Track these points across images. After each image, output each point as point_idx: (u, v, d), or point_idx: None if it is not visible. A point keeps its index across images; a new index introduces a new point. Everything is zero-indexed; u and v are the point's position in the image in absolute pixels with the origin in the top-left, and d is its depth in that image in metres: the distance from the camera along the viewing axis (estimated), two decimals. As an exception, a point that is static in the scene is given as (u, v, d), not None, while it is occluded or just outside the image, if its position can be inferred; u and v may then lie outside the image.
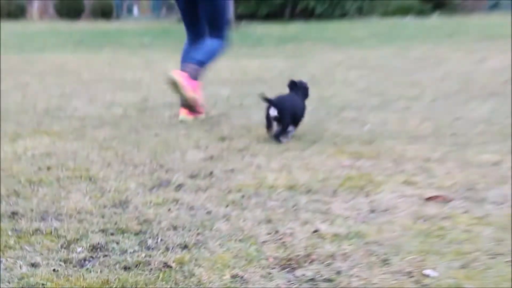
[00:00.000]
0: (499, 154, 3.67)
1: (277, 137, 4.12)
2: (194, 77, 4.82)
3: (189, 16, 5.17)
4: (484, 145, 3.91)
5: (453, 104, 5.37)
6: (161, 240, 2.48)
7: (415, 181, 3.22)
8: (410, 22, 18.75)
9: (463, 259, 2.25)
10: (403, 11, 20.38)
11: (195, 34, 5.20)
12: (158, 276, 2.15)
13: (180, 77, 4.70)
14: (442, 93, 5.93)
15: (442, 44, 11.17)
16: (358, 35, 13.58)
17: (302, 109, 4.41)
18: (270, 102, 4.13)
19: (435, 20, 18.99)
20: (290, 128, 4.19)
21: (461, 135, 4.21)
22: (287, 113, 4.19)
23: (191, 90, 4.76)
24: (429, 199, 2.93)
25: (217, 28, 5.06)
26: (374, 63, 8.58)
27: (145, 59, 9.80)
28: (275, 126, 4.17)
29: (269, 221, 2.68)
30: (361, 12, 21.06)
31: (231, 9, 5.35)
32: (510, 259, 2.25)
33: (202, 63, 4.92)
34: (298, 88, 4.56)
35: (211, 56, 4.99)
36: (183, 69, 4.86)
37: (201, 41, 5.13)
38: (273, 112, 4.16)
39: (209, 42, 5.05)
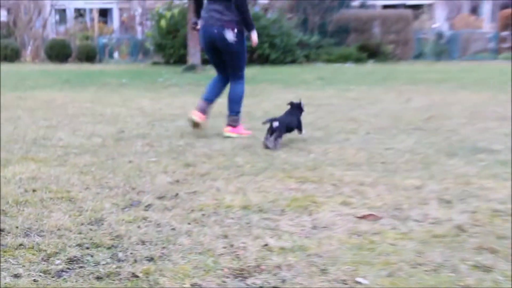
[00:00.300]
0: (421, 179, 3.72)
1: (274, 141, 4.93)
2: (236, 123, 5.71)
3: (214, 61, 5.86)
4: (409, 172, 3.95)
5: (384, 137, 5.43)
6: (130, 253, 2.44)
7: (351, 202, 3.23)
8: (349, 67, 19.02)
9: (389, 268, 2.26)
10: (344, 58, 20.64)
11: (221, 72, 5.85)
12: (127, 285, 2.11)
13: (200, 120, 5.74)
14: (375, 128, 5.99)
15: (376, 87, 11.33)
16: (305, 78, 13.69)
17: (296, 121, 5.38)
18: (275, 119, 5.13)
19: (370, 66, 19.30)
20: (280, 138, 5.04)
21: (390, 163, 4.26)
22: (283, 125, 5.09)
23: (237, 132, 5.64)
24: (362, 217, 2.95)
25: (237, 71, 5.72)
26: (319, 102, 8.64)
27: (122, 96, 9.71)
28: (272, 138, 4.96)
29: (225, 236, 2.66)
30: (308, 58, 21.29)
31: (245, 56, 5.72)
32: (428, 268, 2.27)
33: (237, 112, 5.72)
34: (294, 107, 5.52)
35: (239, 100, 5.77)
36: (228, 123, 5.71)
37: (226, 77, 5.83)
38: (275, 124, 5.04)
39: (232, 91, 5.78)
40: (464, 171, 3.95)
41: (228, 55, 5.58)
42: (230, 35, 5.46)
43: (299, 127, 5.40)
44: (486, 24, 27.64)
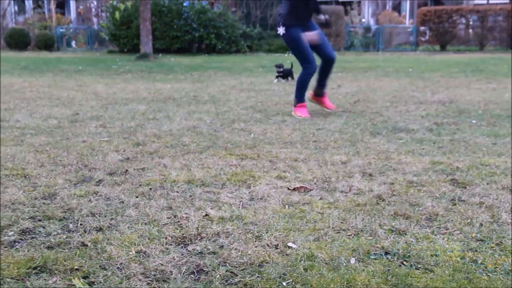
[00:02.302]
0: (347, 155, 3.77)
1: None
2: (295, 104, 5.73)
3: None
4: (337, 149, 3.99)
5: (317, 118, 5.47)
6: (80, 224, 2.38)
7: (285, 176, 3.24)
8: (289, 57, 19.04)
9: (316, 234, 2.28)
10: (284, 48, 20.67)
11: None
12: (76, 253, 2.05)
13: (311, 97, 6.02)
14: (309, 110, 6.03)
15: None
16: (248, 66, 13.65)
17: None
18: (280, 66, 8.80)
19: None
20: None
21: (321, 141, 4.29)
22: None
23: (295, 113, 5.69)
24: (294, 189, 2.96)
25: (299, 61, 5.61)
26: (260, 87, 8.63)
27: (78, 82, 9.44)
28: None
29: (170, 208, 2.63)
30: (251, 49, 21.24)
31: (300, 48, 5.47)
32: (350, 233, 2.30)
33: (297, 96, 5.68)
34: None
35: (298, 86, 5.65)
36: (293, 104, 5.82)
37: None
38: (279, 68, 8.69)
39: (298, 78, 5.74)
40: (385, 148, 4.03)
41: (288, 47, 5.65)
42: (280, 29, 5.49)
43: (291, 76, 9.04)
44: (407, 20, 28.20)
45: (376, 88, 8.41)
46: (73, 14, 29.25)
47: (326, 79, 5.78)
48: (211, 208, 2.62)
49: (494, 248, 2.12)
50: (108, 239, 2.20)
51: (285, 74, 9.49)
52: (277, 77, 9.50)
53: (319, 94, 5.87)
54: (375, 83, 9.15)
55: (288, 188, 2.98)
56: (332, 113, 5.82)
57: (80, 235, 2.25)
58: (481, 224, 2.38)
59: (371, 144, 4.17)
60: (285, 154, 3.82)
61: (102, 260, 2.00)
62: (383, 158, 3.69)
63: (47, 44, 21.96)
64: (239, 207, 2.66)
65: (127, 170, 3.35)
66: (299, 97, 5.63)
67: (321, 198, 2.80)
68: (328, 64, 5.64)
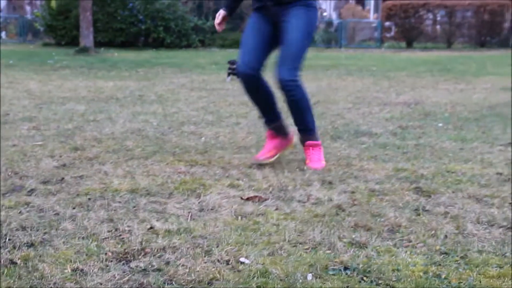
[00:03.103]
0: (305, 162, 3.80)
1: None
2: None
3: None
4: (295, 154, 4.02)
5: (273, 120, 5.50)
6: (9, 239, 2.32)
7: (238, 184, 3.25)
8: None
9: (271, 248, 2.30)
10: (238, 44, 20.78)
11: None
12: (3, 272, 2.01)
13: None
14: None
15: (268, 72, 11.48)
16: (200, 63, 13.64)
17: None
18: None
19: (264, 52, 19.56)
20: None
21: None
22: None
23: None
24: (248, 199, 2.98)
25: None
26: (212, 86, 8.64)
27: (9, 78, 9.22)
28: None
29: (111, 220, 2.60)
30: (204, 43, 21.22)
31: None
32: (308, 247, 2.33)
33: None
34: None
35: None
36: None
37: None
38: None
39: None
40: (347, 153, 4.09)
41: None
42: None
43: None
44: (371, 14, 28.74)
45: (338, 88, 8.54)
46: (2, 1, 28.52)
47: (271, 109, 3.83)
48: (157, 220, 2.61)
49: (458, 262, 2.19)
50: (40, 256, 2.16)
51: None
52: (229, 74, 9.30)
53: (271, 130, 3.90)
54: (337, 83, 9.29)
55: (242, 198, 2.99)
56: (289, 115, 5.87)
57: (9, 251, 2.20)
58: (446, 236, 2.45)
59: (332, 149, 4.23)
60: (238, 160, 3.83)
61: (33, 280, 1.97)
62: (344, 164, 3.75)
63: (-27, 34, 21.37)
64: (187, 219, 2.66)
65: (63, 178, 3.30)
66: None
67: (276, 209, 2.83)
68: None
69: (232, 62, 9.31)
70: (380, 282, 2.02)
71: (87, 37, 16.48)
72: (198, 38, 20.89)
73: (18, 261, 2.11)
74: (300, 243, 2.36)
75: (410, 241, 2.40)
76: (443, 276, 2.06)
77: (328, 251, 2.28)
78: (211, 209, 2.81)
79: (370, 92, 8.01)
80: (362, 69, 11.97)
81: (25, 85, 8.23)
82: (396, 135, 4.82)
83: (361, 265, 2.14)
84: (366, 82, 9.35)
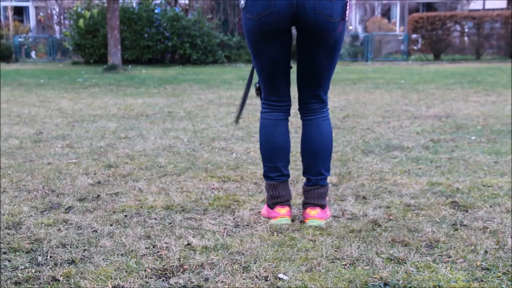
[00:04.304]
0: (338, 177, 3.81)
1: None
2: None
3: None
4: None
5: (303, 135, 5.51)
6: (50, 256, 2.37)
7: (272, 200, 3.25)
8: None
9: (309, 264, 2.30)
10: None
11: None
12: (47, 289, 2.04)
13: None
14: (295, 127, 6.06)
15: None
16: (227, 78, 13.72)
17: None
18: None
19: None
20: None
21: (309, 161, 4.32)
22: None
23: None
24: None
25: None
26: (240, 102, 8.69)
27: (40, 97, 9.40)
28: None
29: (148, 237, 2.63)
30: (230, 59, 21.36)
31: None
32: (346, 262, 2.33)
33: None
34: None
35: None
36: None
37: None
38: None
39: None
40: (379, 167, 4.08)
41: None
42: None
43: None
44: (397, 27, 28.65)
45: (366, 101, 8.51)
46: (32, 22, 29.15)
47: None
48: (193, 237, 2.63)
49: (501, 278, 2.16)
50: (81, 273, 2.19)
51: None
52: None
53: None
54: (365, 96, 9.26)
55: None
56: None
57: (51, 268, 2.24)
58: (486, 251, 2.42)
59: (364, 163, 4.23)
60: (271, 176, 3.84)
61: (76, 297, 2.00)
62: (377, 179, 3.74)
63: (4, 55, 21.83)
64: (223, 235, 2.67)
65: (99, 195, 3.35)
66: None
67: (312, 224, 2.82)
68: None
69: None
70: (421, 298, 2.00)
71: (115, 55, 16.72)
72: (224, 54, 21.04)
73: (60, 278, 2.14)
74: (337, 259, 2.36)
75: (450, 257, 2.38)
76: (485, 292, 2.04)
77: (366, 267, 2.27)
78: (246, 225, 2.82)
79: (399, 105, 7.97)
80: (390, 82, 11.92)
81: (56, 104, 8.38)
82: (428, 148, 4.79)
83: (401, 281, 2.13)
84: (394, 96, 9.31)
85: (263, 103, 2.94)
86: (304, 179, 2.97)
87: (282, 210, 2.87)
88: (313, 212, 2.85)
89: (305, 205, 2.90)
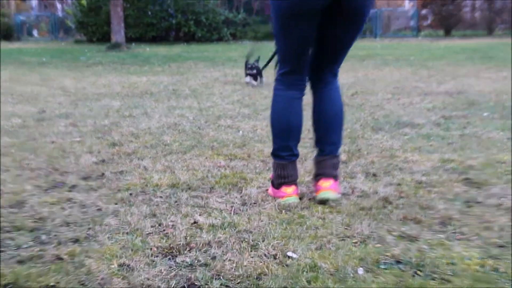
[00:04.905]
0: (348, 154, 3.77)
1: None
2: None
3: None
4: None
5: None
6: (54, 235, 2.35)
7: (280, 178, 3.22)
8: (276, 45, 19.11)
9: (318, 242, 2.28)
10: (270, 36, 20.77)
11: None
12: (50, 268, 2.03)
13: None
14: (304, 104, 6.03)
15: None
16: (232, 56, 13.65)
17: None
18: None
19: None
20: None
21: (318, 138, 4.28)
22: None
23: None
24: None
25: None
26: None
27: (43, 75, 9.37)
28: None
29: (153, 215, 2.61)
30: (235, 36, 21.23)
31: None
32: (356, 240, 2.30)
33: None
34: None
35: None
36: None
37: None
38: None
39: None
40: (389, 145, 4.04)
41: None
42: None
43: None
44: (407, 3, 28.36)
45: (375, 78, 8.44)
46: (34, 0, 29.01)
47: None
48: (200, 215, 2.61)
49: (516, 254, 2.14)
50: (86, 252, 2.17)
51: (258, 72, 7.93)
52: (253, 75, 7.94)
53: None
54: (374, 73, 9.19)
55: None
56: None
57: (55, 247, 2.22)
58: (501, 228, 2.39)
59: (373, 141, 4.19)
60: (278, 153, 3.81)
61: (80, 276, 1.98)
62: (388, 156, 3.70)
63: (6, 33, 21.77)
64: (230, 213, 2.65)
65: (103, 174, 3.33)
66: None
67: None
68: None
69: (251, 66, 7.87)
70: (435, 276, 1.97)
71: (118, 33, 16.64)
72: (229, 31, 20.92)
73: (65, 257, 2.13)
74: (348, 237, 2.33)
75: (464, 234, 2.35)
76: (501, 270, 2.01)
77: (378, 245, 2.24)
78: (254, 203, 2.80)
79: (409, 82, 7.90)
80: (399, 59, 11.81)
81: (59, 82, 8.35)
82: (439, 125, 4.74)
83: (413, 259, 2.10)
84: (404, 72, 9.23)
85: (279, 80, 2.88)
86: (314, 154, 2.93)
87: (289, 189, 2.84)
88: (326, 183, 2.80)
89: (318, 176, 2.86)
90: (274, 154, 2.91)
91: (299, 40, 2.70)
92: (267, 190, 2.99)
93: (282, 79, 2.85)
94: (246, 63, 8.04)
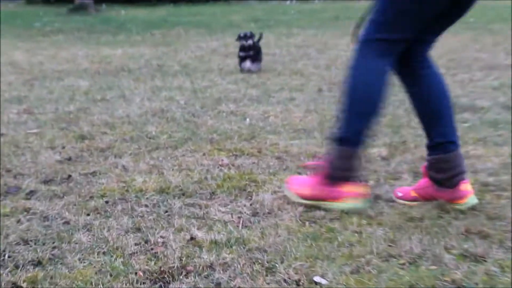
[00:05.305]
0: (389, 148, 3.78)
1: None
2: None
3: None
4: (373, 138, 3.99)
5: (340, 94, 5.47)
6: (9, 256, 2.37)
7: (301, 179, 3.24)
8: (291, 5, 19.11)
9: (354, 263, 2.29)
10: (284, -7, 20.73)
11: None
12: (6, 300, 2.05)
13: None
14: (328, 83, 6.05)
15: (327, 30, 11.44)
16: (234, 20, 13.68)
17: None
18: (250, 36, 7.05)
19: (318, 3, 19.47)
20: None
21: (350, 127, 4.29)
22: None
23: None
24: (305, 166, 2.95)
25: None
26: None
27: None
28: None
29: (138, 229, 2.63)
30: (238, -6, 21.28)
31: None
32: (404, 261, 2.31)
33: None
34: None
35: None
36: None
37: None
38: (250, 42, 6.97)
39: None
40: (444, 135, 4.04)
41: None
42: None
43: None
44: None
45: (423, 48, 8.43)
46: None
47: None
48: (198, 229, 2.62)
49: None
50: (51, 277, 2.19)
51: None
52: (243, 58, 7.17)
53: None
54: (421, 41, 9.17)
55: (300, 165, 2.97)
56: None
57: (10, 272, 2.24)
58: None
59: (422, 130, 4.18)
60: (298, 148, 3.83)
61: (45, 309, 2.00)
62: (442, 150, 3.71)
63: None
64: (238, 226, 2.67)
65: (70, 176, 3.35)
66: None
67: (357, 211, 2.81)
68: None
69: (245, 35, 7.15)
70: (508, 307, 1.99)
71: (84, -9, 16.67)
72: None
73: (24, 284, 2.15)
74: (393, 257, 2.35)
75: (545, 252, 2.36)
76: None
77: (432, 267, 2.26)
78: (268, 213, 2.81)
79: (468, 52, 7.90)
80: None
81: (8, 56, 8.39)
82: (509, 109, 4.74)
83: (480, 285, 2.11)
84: (461, 39, 9.22)
85: (372, 45, 2.83)
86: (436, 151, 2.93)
87: (360, 189, 2.86)
88: (469, 186, 2.88)
89: (457, 177, 2.88)
90: (344, 138, 2.86)
91: (432, 5, 2.73)
92: (284, 195, 3.00)
93: (378, 46, 2.83)
94: (241, 39, 7.10)
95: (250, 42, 6.97)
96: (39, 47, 9.48)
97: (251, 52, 6.99)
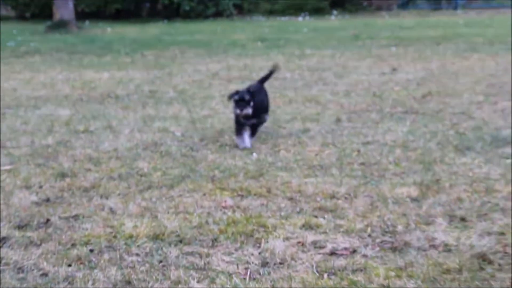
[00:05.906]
0: (420, 187, 3.77)
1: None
2: None
3: None
4: (401, 176, 4.00)
5: (361, 125, 5.48)
6: (-22, 315, 2.37)
7: (318, 224, 3.24)
8: (304, 22, 19.22)
9: (382, 322, 2.28)
10: (295, 9, 20.86)
11: None
12: None
13: None
14: (347, 112, 6.05)
15: (345, 50, 11.48)
16: (239, 39, 13.74)
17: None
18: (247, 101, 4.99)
19: (335, 20, 19.55)
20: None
21: (372, 164, 4.29)
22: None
23: None
24: (332, 253, 2.95)
25: None
26: (260, 74, 8.67)
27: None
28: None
29: (128, 282, 2.63)
30: (241, 10, 21.40)
31: None
32: (441, 319, 2.30)
33: None
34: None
35: None
36: None
37: None
38: (252, 121, 5.01)
39: None
40: (484, 172, 4.04)
41: None
42: None
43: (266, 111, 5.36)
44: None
45: (457, 71, 8.46)
46: None
47: None
48: (198, 282, 2.62)
49: None
50: None
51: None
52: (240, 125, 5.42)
53: None
54: (455, 63, 9.21)
55: (325, 245, 2.97)
56: (386, 114, 5.84)
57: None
58: None
59: (459, 166, 4.19)
60: (314, 187, 3.82)
61: None
62: (482, 190, 3.70)
63: None
64: (245, 278, 2.66)
65: (48, 220, 3.35)
66: None
67: (383, 261, 2.81)
68: None
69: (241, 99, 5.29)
70: None
71: (64, 6, 16.79)
72: (232, 2, 21.07)
73: None
74: (427, 315, 2.34)
75: None
76: None
77: (474, 327, 2.25)
78: (280, 263, 2.81)
79: (509, 76, 7.91)
80: (494, 42, 11.84)
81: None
82: (559, 142, 4.74)
83: None
84: (502, 62, 9.24)
85: None
86: None
87: None
88: None
89: None
90: None
91: None
92: (299, 242, 3.00)
93: None
94: (236, 105, 5.20)
95: (247, 111, 5.07)
96: (12, 70, 9.51)
97: (252, 120, 5.21)
